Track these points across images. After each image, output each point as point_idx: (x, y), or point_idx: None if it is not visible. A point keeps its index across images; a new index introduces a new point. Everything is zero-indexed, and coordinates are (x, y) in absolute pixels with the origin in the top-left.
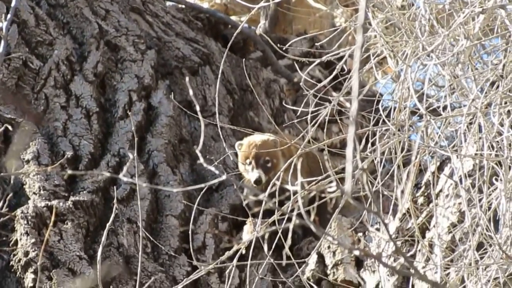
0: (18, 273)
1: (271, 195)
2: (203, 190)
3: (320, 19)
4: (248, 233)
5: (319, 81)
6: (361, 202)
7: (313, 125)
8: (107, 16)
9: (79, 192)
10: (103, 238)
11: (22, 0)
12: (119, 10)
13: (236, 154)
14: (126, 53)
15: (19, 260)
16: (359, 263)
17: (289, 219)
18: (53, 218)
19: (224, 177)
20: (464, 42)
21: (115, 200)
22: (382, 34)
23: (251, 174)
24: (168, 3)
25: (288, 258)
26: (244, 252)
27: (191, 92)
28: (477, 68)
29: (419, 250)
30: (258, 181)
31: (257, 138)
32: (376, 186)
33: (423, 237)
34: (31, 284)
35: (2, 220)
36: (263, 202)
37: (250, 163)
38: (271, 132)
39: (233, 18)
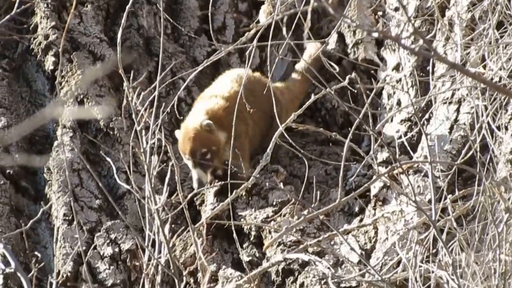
0: (38, 56)
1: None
2: None
3: None
4: (265, 13)
5: None
6: None
7: None
8: None
9: None
10: (123, 20)
11: None
12: None
13: None
14: None
15: (39, 44)
16: (379, 42)
17: (308, 2)
18: (74, 1)
19: None
20: None
21: None
22: None
23: (192, 174)
24: None
25: (308, 38)
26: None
27: None
28: None
29: (439, 29)
30: (201, 185)
31: (190, 125)
32: None
33: (443, 16)
34: (52, 67)
35: (24, 7)
36: None
37: (188, 159)
38: None
39: None
